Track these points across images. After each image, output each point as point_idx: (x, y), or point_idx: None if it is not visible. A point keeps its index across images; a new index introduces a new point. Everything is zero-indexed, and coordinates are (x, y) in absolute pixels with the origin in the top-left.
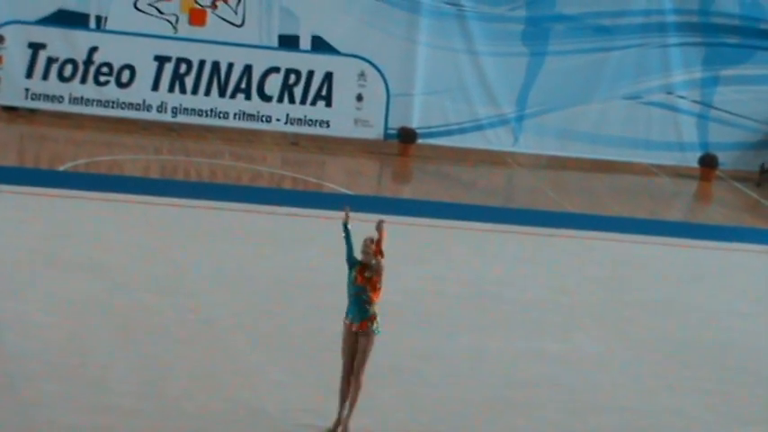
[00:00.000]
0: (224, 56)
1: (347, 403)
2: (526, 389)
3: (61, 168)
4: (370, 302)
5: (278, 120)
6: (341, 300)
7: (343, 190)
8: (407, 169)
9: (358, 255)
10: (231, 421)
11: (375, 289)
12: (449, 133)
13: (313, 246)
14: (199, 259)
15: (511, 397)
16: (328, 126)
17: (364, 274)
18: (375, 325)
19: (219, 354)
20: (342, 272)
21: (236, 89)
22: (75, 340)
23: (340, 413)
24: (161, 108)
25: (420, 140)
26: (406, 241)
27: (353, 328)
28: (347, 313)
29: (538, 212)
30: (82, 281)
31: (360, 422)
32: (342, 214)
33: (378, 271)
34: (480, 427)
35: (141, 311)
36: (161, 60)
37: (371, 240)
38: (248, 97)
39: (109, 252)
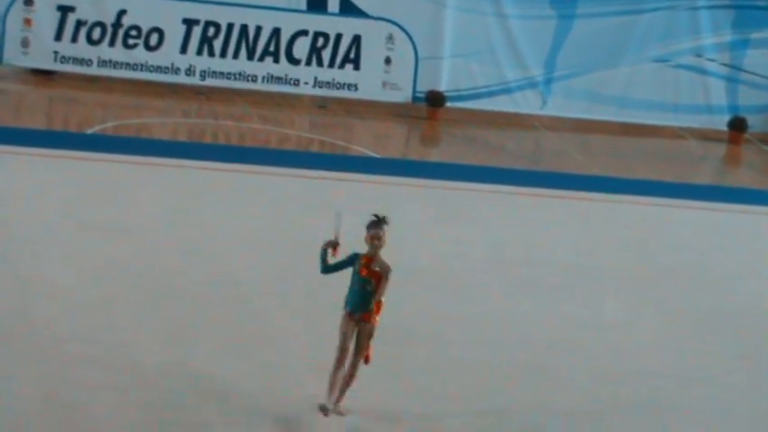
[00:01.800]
0: (252, 19)
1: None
2: (551, 353)
3: (89, 131)
4: (374, 293)
5: (306, 83)
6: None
7: (371, 153)
8: (435, 132)
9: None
10: (259, 384)
11: (378, 289)
12: (477, 96)
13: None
14: (227, 222)
15: (535, 361)
16: (356, 89)
17: (370, 266)
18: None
19: (248, 317)
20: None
21: (265, 52)
22: (102, 303)
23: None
24: (189, 71)
25: (448, 104)
26: (432, 204)
27: (356, 318)
28: (347, 303)
29: (565, 175)
30: (109, 244)
31: (381, 386)
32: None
33: (385, 279)
34: (503, 390)
35: (169, 274)
36: (189, 23)
37: (378, 236)
38: (276, 60)
39: (137, 215)
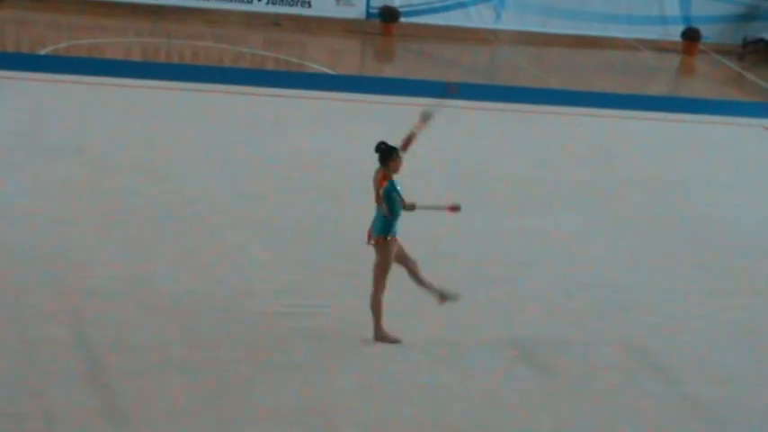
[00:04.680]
0: None
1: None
2: (509, 265)
3: (42, 52)
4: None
5: (259, 0)
6: (324, 180)
7: (326, 70)
8: (390, 48)
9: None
10: (216, 301)
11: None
12: (431, 11)
13: (296, 127)
14: (182, 142)
15: (493, 273)
16: (310, 6)
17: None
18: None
19: (203, 235)
20: (330, 151)
21: None
22: (58, 224)
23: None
24: None
25: (402, 19)
26: (388, 120)
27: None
28: (396, 229)
29: (521, 89)
30: (65, 165)
31: (344, 301)
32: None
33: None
34: (463, 302)
35: (125, 194)
36: None
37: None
38: None
39: (91, 136)
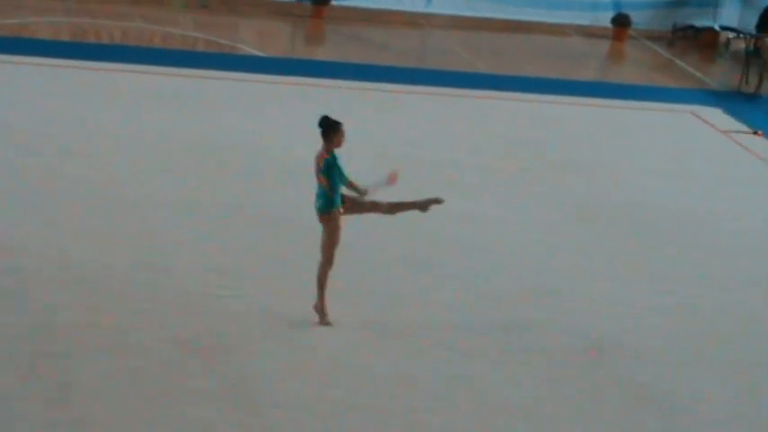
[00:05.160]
0: None
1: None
2: (432, 247)
3: None
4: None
5: None
6: (253, 163)
7: (257, 52)
8: (320, 31)
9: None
10: (136, 280)
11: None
12: None
13: (225, 108)
14: (109, 122)
15: (416, 255)
16: None
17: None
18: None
19: (126, 215)
20: (260, 134)
21: None
22: None
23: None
24: None
25: (333, 2)
26: (318, 103)
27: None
28: (339, 202)
29: (451, 73)
30: None
31: (270, 283)
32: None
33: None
34: (385, 282)
35: (49, 175)
36: None
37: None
38: None
39: (18, 116)
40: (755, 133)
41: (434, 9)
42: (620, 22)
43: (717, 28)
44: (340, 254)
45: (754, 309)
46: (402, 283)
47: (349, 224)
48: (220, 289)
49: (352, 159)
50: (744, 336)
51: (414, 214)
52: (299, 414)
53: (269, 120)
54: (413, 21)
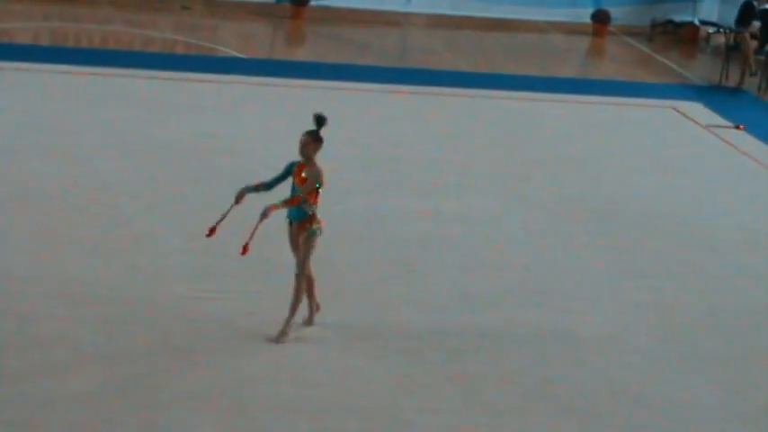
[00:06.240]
0: None
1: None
2: (422, 248)
3: None
4: (306, 202)
5: None
6: (235, 165)
7: (237, 54)
8: (300, 32)
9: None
10: (130, 287)
11: (310, 192)
12: None
13: (207, 111)
14: (92, 127)
15: (405, 256)
16: None
17: (302, 174)
18: (316, 226)
19: (115, 220)
20: (241, 136)
21: None
22: None
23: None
24: None
25: (312, 2)
26: (299, 104)
27: (294, 228)
28: (288, 214)
29: (432, 72)
30: None
31: (256, 286)
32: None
33: (311, 179)
34: (376, 286)
35: (34, 179)
36: None
37: (305, 142)
38: None
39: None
40: (737, 127)
41: (414, 8)
42: (600, 18)
43: (696, 23)
44: (326, 255)
45: (740, 303)
46: (389, 283)
47: (334, 223)
48: (208, 293)
49: (334, 160)
50: (730, 330)
51: (400, 213)
52: (289, 416)
53: (250, 121)
54: (393, 20)
